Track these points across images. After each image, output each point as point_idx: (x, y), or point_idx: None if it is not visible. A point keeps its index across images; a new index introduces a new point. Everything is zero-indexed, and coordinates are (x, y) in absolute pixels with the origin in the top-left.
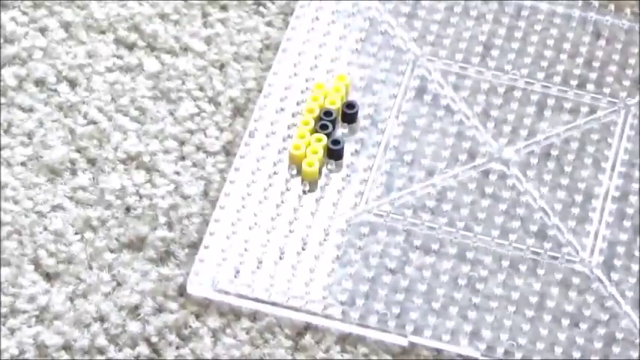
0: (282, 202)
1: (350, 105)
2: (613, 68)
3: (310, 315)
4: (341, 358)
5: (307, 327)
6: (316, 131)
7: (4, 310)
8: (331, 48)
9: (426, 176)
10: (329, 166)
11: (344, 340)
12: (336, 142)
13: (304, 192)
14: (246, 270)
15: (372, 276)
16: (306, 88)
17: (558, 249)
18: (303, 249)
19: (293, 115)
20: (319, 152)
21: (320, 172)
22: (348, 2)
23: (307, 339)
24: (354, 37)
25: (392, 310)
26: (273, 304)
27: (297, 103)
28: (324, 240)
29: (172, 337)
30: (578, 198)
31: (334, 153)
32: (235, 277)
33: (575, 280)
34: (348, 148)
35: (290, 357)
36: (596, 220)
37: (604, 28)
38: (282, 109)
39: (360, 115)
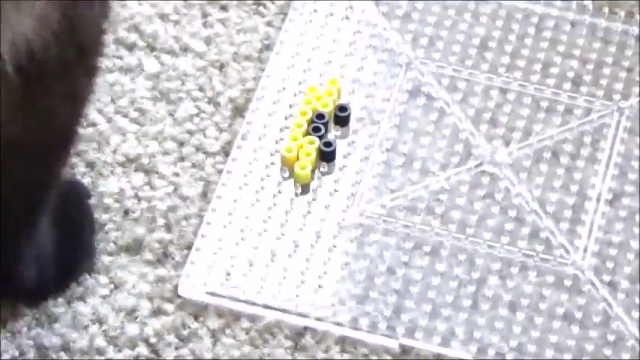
0: (275, 204)
1: (342, 107)
2: (607, 71)
3: (301, 317)
4: (341, 358)
5: (307, 327)
6: (308, 134)
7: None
8: (325, 51)
9: (419, 178)
10: (321, 169)
11: (344, 340)
12: (328, 144)
13: (296, 194)
14: (237, 272)
15: (364, 278)
16: (299, 91)
17: (550, 251)
18: (295, 251)
19: (285, 118)
20: (312, 155)
21: (312, 175)
22: (342, 5)
23: (307, 339)
24: (348, 40)
25: (384, 312)
26: (264, 306)
27: (290, 106)
28: (316, 242)
29: (171, 338)
30: (571, 200)
31: (326, 155)
32: (226, 279)
33: (567, 282)
34: (341, 151)
35: (290, 357)
36: (588, 222)
37: (598, 31)
38: (274, 112)
39: (352, 117)
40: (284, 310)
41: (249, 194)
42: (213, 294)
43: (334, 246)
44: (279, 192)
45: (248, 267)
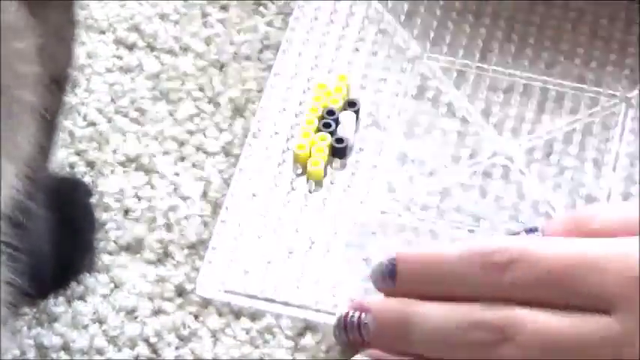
0: (288, 201)
1: (351, 103)
2: (613, 60)
3: (319, 313)
4: (342, 357)
5: (307, 327)
6: (320, 130)
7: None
8: (331, 48)
9: (430, 173)
10: (334, 165)
11: None
12: (340, 140)
13: (310, 191)
14: (254, 270)
15: None
16: (308, 88)
17: None
18: (311, 248)
19: (295, 116)
20: (324, 151)
21: (325, 171)
22: (347, 2)
23: (308, 339)
24: (354, 37)
25: None
26: (283, 303)
27: (300, 103)
28: (331, 239)
29: (171, 338)
30: (583, 191)
31: (338, 151)
32: (244, 277)
33: None
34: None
35: (290, 357)
36: None
37: (603, 20)
38: (284, 110)
39: (362, 113)
40: (303, 307)
41: (262, 192)
42: (231, 292)
43: (348, 241)
44: (293, 189)
45: (265, 265)
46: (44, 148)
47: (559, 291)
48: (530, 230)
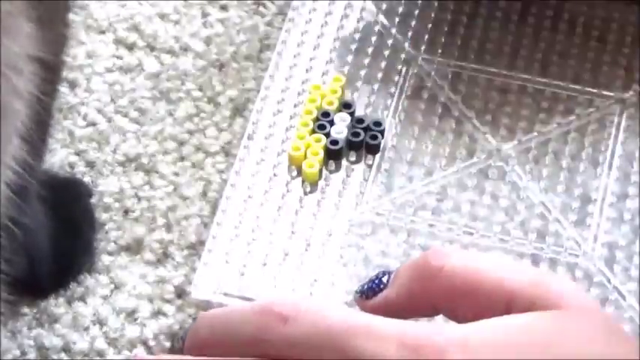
0: (284, 204)
1: (347, 104)
2: (607, 61)
3: None
4: None
5: None
6: (314, 132)
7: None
8: (326, 49)
9: (426, 174)
10: (329, 167)
11: None
12: (334, 142)
13: (305, 193)
14: (250, 272)
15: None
16: (303, 90)
17: (560, 243)
18: (307, 250)
19: (291, 117)
20: (319, 153)
21: (320, 173)
22: (341, 3)
23: None
24: (349, 38)
25: None
26: None
27: (295, 105)
28: (327, 240)
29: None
30: (578, 191)
31: (333, 153)
32: (240, 279)
33: (578, 274)
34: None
35: None
36: (597, 213)
37: (597, 21)
38: (279, 111)
39: (357, 114)
40: None
41: (258, 194)
42: (226, 294)
43: (344, 243)
44: (288, 191)
45: (260, 267)
46: (37, 140)
47: (331, 351)
48: (384, 274)
